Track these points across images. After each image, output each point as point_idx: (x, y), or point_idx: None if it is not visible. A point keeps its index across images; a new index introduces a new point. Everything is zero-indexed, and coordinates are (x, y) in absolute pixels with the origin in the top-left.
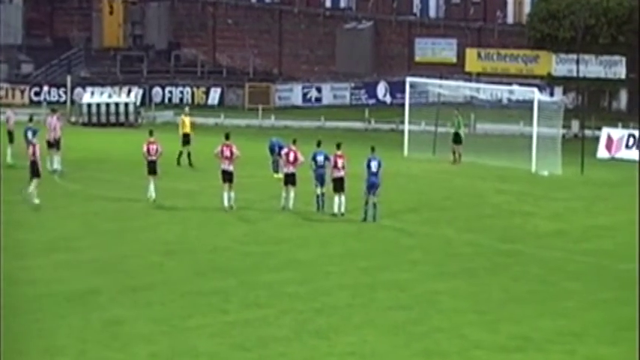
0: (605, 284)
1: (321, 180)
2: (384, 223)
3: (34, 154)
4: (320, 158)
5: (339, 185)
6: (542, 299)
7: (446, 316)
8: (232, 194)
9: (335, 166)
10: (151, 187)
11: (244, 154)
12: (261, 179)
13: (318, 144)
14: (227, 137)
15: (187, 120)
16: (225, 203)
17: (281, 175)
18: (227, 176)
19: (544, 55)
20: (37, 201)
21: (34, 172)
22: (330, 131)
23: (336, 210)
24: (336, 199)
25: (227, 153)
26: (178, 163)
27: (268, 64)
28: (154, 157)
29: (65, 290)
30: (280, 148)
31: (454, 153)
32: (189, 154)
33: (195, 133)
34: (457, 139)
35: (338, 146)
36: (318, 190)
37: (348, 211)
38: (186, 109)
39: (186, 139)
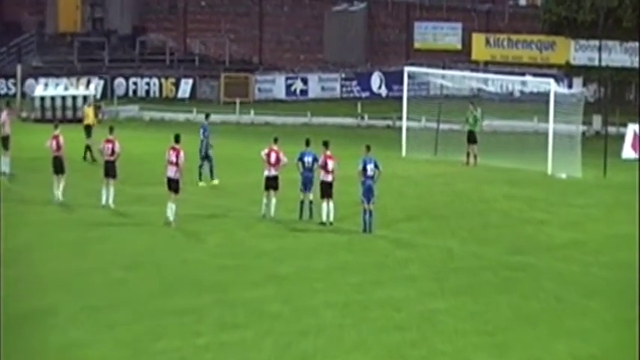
0: (627, 301)
1: (308, 184)
2: (379, 233)
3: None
4: (308, 159)
5: (326, 190)
6: (557, 319)
7: (447, 338)
8: (174, 206)
9: (324, 167)
10: (104, 191)
11: (221, 153)
12: (239, 183)
13: (307, 143)
14: (176, 139)
15: (90, 111)
16: (168, 215)
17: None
18: (171, 184)
19: (561, 42)
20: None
21: (58, 168)
22: (318, 128)
23: (324, 218)
24: (324, 205)
25: (173, 158)
26: (84, 158)
27: (247, 51)
28: (110, 158)
29: (18, 309)
30: (205, 133)
31: (468, 155)
32: (89, 148)
33: (99, 127)
34: (472, 137)
35: (326, 145)
36: (303, 196)
37: (338, 219)
38: (92, 98)
39: (88, 132)
